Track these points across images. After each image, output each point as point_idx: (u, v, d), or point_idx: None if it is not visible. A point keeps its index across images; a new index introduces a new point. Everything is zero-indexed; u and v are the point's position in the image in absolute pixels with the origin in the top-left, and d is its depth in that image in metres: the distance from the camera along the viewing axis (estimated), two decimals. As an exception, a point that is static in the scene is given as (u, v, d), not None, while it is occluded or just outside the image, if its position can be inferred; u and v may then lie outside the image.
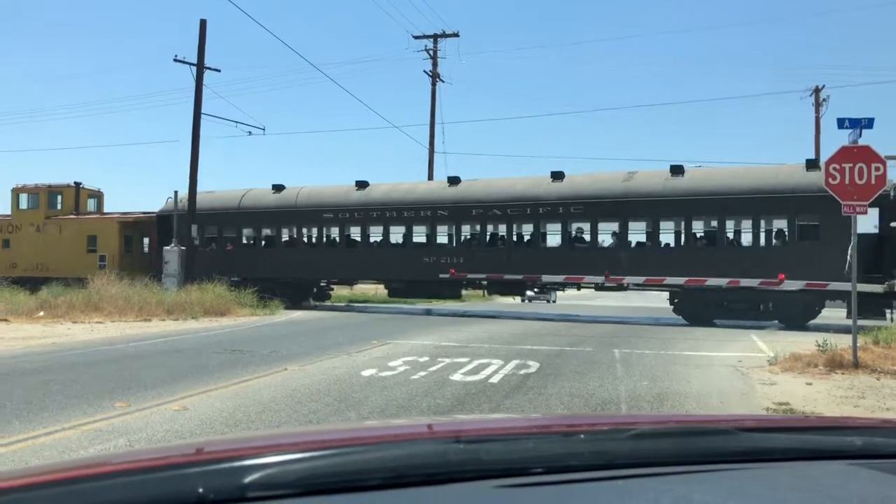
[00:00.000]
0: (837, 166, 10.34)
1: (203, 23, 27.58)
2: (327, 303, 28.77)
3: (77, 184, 32.39)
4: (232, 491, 1.00)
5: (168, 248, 27.09)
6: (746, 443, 1.36)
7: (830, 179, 10.41)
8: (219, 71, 29.15)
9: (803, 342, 14.00)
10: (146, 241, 30.56)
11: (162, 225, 27.84)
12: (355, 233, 25.41)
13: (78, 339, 14.35)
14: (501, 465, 1.16)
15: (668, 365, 10.99)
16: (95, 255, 29.29)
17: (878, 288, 17.26)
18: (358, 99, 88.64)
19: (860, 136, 10.78)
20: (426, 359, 11.22)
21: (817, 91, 38.61)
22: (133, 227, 30.25)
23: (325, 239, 26.17)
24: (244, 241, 27.93)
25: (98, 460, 1.22)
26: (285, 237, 26.90)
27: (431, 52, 38.80)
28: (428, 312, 25.48)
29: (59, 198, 31.53)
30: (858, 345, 10.76)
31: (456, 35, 38.82)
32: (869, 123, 10.82)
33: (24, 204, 31.80)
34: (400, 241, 24.67)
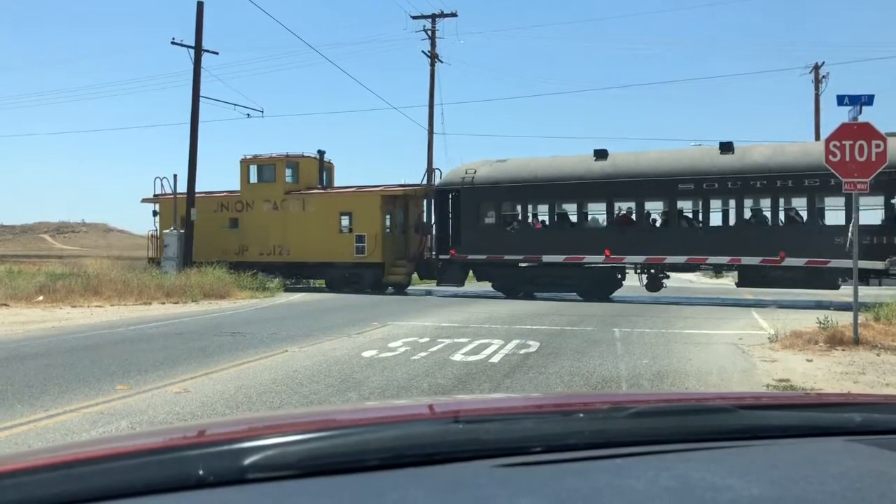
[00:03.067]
0: (838, 143, 10.30)
1: (200, 5, 27.38)
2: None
3: (321, 152, 27.76)
4: (232, 473, 1.00)
5: (167, 231, 27.05)
6: (745, 420, 1.36)
7: (831, 157, 10.37)
8: (217, 53, 29.09)
9: (804, 319, 14.02)
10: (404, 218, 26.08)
11: (441, 199, 23.35)
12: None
13: (78, 322, 14.36)
14: (500, 444, 1.16)
15: (668, 343, 11.00)
16: (350, 236, 24.70)
17: (879, 264, 17.26)
18: (356, 80, 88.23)
19: (860, 113, 10.74)
20: (426, 340, 11.23)
21: (817, 68, 38.45)
22: (393, 203, 25.35)
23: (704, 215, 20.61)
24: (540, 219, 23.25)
25: (97, 443, 1.22)
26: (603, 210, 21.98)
27: (430, 33, 38.58)
28: (428, 293, 25.51)
29: (295, 169, 26.64)
30: (859, 321, 10.76)
31: (454, 15, 38.57)
32: (869, 100, 10.78)
33: (255, 177, 26.65)
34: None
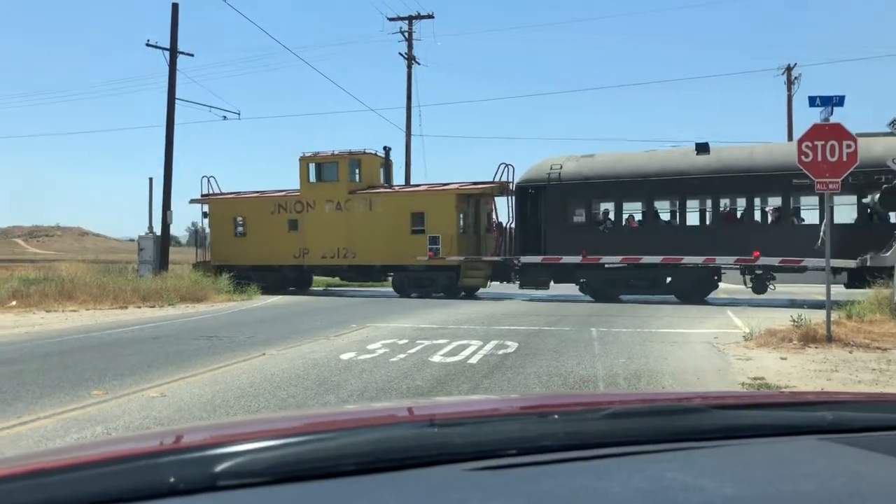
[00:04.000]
0: (810, 144, 10.43)
1: (175, 7, 27.23)
2: None
3: (386, 149, 26.46)
4: (203, 480, 0.99)
5: (143, 234, 26.82)
6: (719, 420, 1.37)
7: (803, 157, 10.51)
8: (192, 55, 28.89)
9: (778, 318, 14.18)
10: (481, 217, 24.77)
11: (522, 197, 21.99)
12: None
13: (52, 327, 14.19)
14: (475, 447, 1.16)
15: (644, 342, 11.09)
16: (423, 237, 23.21)
17: (851, 263, 17.52)
18: (333, 82, 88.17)
19: (832, 113, 10.89)
20: (405, 341, 11.23)
21: (789, 69, 38.87)
22: (467, 202, 23.98)
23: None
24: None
25: (69, 450, 1.21)
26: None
27: (406, 35, 38.57)
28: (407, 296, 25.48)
29: (358, 167, 25.02)
30: (832, 319, 10.91)
31: (431, 17, 38.57)
32: (840, 101, 10.93)
33: (316, 176, 25.13)
34: None
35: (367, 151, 25.22)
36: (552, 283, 21.85)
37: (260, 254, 24.95)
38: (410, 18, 38.65)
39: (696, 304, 19.05)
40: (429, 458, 1.11)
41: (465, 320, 14.85)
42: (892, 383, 7.66)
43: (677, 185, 20.01)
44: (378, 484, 1.04)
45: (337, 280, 27.65)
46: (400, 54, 38.71)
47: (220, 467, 1.01)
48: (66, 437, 5.61)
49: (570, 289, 21.89)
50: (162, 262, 25.78)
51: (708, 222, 20.60)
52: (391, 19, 38.84)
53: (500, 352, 10.05)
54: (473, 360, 9.28)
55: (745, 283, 20.11)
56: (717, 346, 10.71)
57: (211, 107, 33.12)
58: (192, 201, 27.28)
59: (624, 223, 21.41)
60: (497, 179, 23.12)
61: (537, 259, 21.29)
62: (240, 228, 26.21)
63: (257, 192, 26.63)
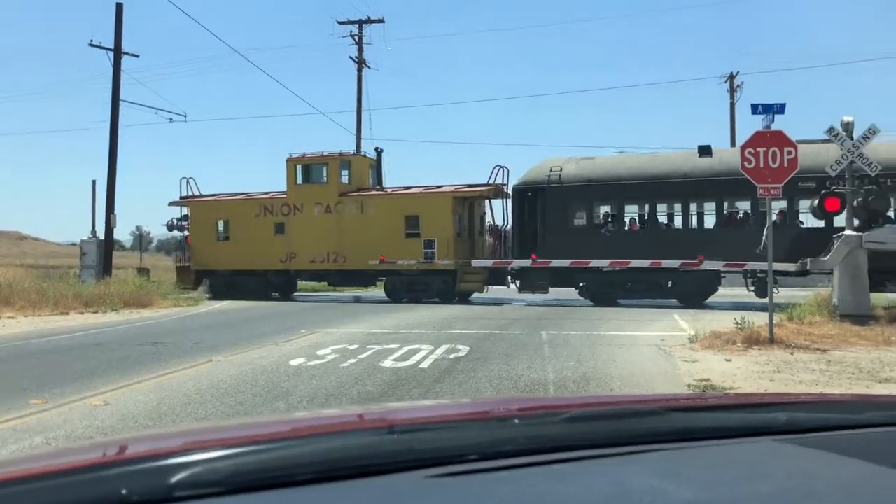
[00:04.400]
0: (752, 150, 10.70)
1: (119, 6, 26.69)
2: None
3: (378, 150, 25.88)
4: (157, 491, 0.95)
5: (85, 239, 26.17)
6: (676, 423, 1.38)
7: (746, 163, 10.77)
8: (137, 56, 28.31)
9: (723, 320, 14.49)
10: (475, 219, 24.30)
11: (521, 200, 21.59)
12: None
13: (-11, 335, 13.73)
14: (435, 453, 1.15)
15: (593, 345, 11.21)
16: (417, 241, 22.58)
17: (791, 266, 18.00)
18: (281, 84, 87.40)
19: (773, 121, 11.19)
20: (356, 346, 11.16)
21: (732, 77, 39.82)
22: (462, 204, 23.46)
23: None
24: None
25: (7, 464, 1.15)
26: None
27: (357, 38, 38.43)
28: (357, 300, 25.34)
29: (348, 168, 24.32)
30: (774, 321, 11.19)
31: (381, 21, 38.49)
32: (781, 109, 11.23)
33: (304, 177, 24.31)
34: None
35: (356, 153, 24.80)
36: (554, 286, 21.50)
37: (244, 258, 24.02)
38: (360, 22, 38.51)
39: (697, 308, 19.00)
40: (389, 466, 1.09)
41: (416, 325, 14.82)
42: (831, 383, 7.89)
43: (681, 187, 19.69)
44: (338, 492, 1.02)
45: (324, 285, 26.93)
46: (350, 58, 38.57)
47: (175, 478, 0.98)
48: (3, 448, 5.42)
49: (572, 293, 21.62)
50: (105, 267, 25.19)
51: (692, 226, 20.57)
52: (341, 23, 38.65)
53: (452, 356, 10.06)
54: (424, 365, 9.26)
55: (746, 287, 20.07)
56: (664, 348, 10.89)
57: (157, 109, 32.55)
58: (172, 203, 26.16)
59: (626, 226, 21.24)
60: (492, 182, 22.71)
61: (527, 262, 21.04)
62: (223, 232, 25.20)
63: (242, 193, 25.77)
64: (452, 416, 1.56)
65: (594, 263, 20.30)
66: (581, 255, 20.21)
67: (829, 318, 13.50)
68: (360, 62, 38.38)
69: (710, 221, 20.75)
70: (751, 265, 18.50)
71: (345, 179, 24.13)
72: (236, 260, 24.16)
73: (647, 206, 20.90)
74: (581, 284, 21.11)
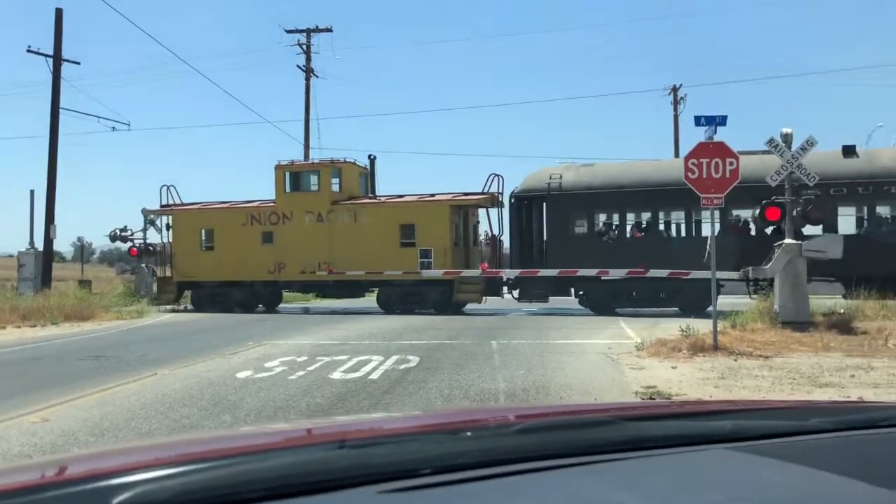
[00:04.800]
0: (696, 161, 10.94)
1: (59, 11, 26.09)
2: None
3: (372, 158, 25.28)
4: None
5: (23, 250, 25.41)
6: (628, 432, 1.39)
7: (689, 174, 11.01)
8: (78, 63, 27.69)
9: (668, 328, 14.75)
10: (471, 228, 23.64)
11: (519, 208, 21.16)
12: None
13: (-80, 350, 13.20)
14: (388, 468, 1.14)
15: (542, 354, 11.30)
16: (413, 251, 21.96)
17: (734, 275, 18.42)
18: (227, 92, 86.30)
19: (715, 132, 11.47)
20: (304, 358, 11.04)
21: (675, 90, 40.71)
22: (458, 212, 22.84)
23: None
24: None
25: None
26: None
27: (305, 47, 38.22)
28: (306, 311, 25.10)
29: (339, 176, 23.54)
30: (718, 329, 11.42)
31: (329, 30, 38.37)
32: (723, 121, 11.53)
33: (293, 185, 23.59)
34: None
35: (347, 161, 24.09)
36: (550, 296, 21.16)
37: (230, 268, 23.11)
38: (308, 31, 38.33)
39: (698, 317, 19.01)
40: (341, 481, 1.08)
41: (366, 335, 14.74)
42: (773, 389, 8.08)
43: (687, 195, 19.57)
44: None
45: (310, 297, 26.24)
46: (298, 67, 38.34)
47: (119, 498, 0.94)
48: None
49: (573, 302, 21.26)
50: (45, 279, 24.49)
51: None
52: (289, 31, 38.42)
53: (402, 367, 10.02)
54: (374, 376, 9.21)
55: (749, 294, 19.77)
56: (612, 356, 11.03)
57: (99, 117, 31.81)
58: (150, 212, 25.18)
59: (628, 234, 20.89)
60: (487, 190, 22.26)
61: (516, 272, 20.86)
62: (207, 241, 24.22)
63: (227, 202, 24.93)
64: (405, 430, 1.55)
65: (582, 273, 20.00)
66: (582, 263, 19.83)
67: (770, 325, 13.83)
68: (308, 71, 38.18)
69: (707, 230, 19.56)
70: (695, 273, 18.87)
71: (335, 188, 23.51)
72: (221, 270, 23.28)
73: (654, 213, 20.74)
74: (580, 293, 20.86)
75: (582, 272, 19.98)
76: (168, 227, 24.85)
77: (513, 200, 21.33)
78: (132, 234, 27.93)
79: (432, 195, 23.34)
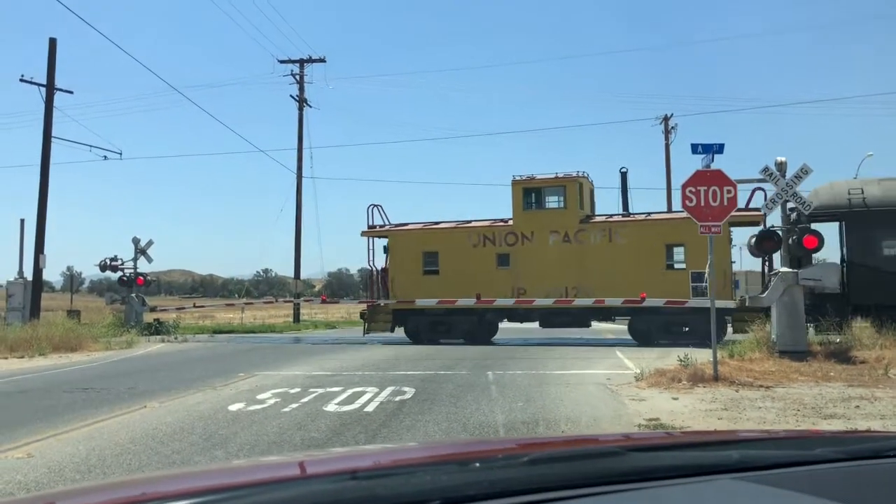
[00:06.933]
0: (693, 189, 10.86)
1: (52, 42, 26.09)
2: None
3: (623, 171, 23.34)
4: None
5: (12, 280, 25.12)
6: (635, 462, 1.40)
7: (687, 202, 10.92)
8: (71, 93, 27.67)
9: (665, 358, 14.58)
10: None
11: (854, 223, 17.93)
12: None
13: None
14: (398, 499, 1.14)
15: (540, 385, 11.10)
16: (684, 273, 19.93)
17: (730, 303, 18.32)
18: (220, 121, 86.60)
19: (713, 160, 11.39)
20: (297, 390, 10.81)
21: (666, 119, 40.96)
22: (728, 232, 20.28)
23: None
24: None
25: None
26: None
27: (298, 77, 38.32)
28: (297, 341, 24.82)
29: (580, 192, 21.39)
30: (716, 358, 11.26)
31: (322, 60, 38.57)
32: (720, 149, 11.46)
33: (536, 202, 21.58)
34: None
35: (582, 174, 21.86)
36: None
37: (457, 294, 21.34)
38: (302, 61, 38.50)
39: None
40: None
41: (359, 366, 14.52)
42: (778, 421, 7.91)
43: None
44: None
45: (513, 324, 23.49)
46: (291, 97, 38.42)
47: None
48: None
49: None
50: (33, 310, 24.17)
51: None
52: (282, 62, 38.62)
53: (398, 398, 9.81)
54: (370, 409, 8.99)
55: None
56: (611, 387, 10.84)
57: (91, 146, 31.61)
58: (365, 233, 23.28)
59: None
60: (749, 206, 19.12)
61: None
62: (429, 265, 22.40)
63: (454, 222, 23.15)
64: (414, 460, 1.56)
65: None
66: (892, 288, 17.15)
67: (768, 354, 13.69)
68: (301, 101, 38.26)
69: None
70: (693, 301, 18.77)
71: (581, 205, 21.53)
72: (448, 296, 21.47)
73: None
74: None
75: None
76: (386, 249, 23.19)
77: (845, 216, 18.18)
78: (122, 264, 27.72)
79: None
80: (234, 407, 9.21)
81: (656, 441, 1.96)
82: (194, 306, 34.84)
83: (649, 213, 21.83)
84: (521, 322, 22.61)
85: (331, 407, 9.13)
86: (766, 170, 14.28)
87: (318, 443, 7.12)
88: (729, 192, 10.83)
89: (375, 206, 23.46)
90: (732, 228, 20.66)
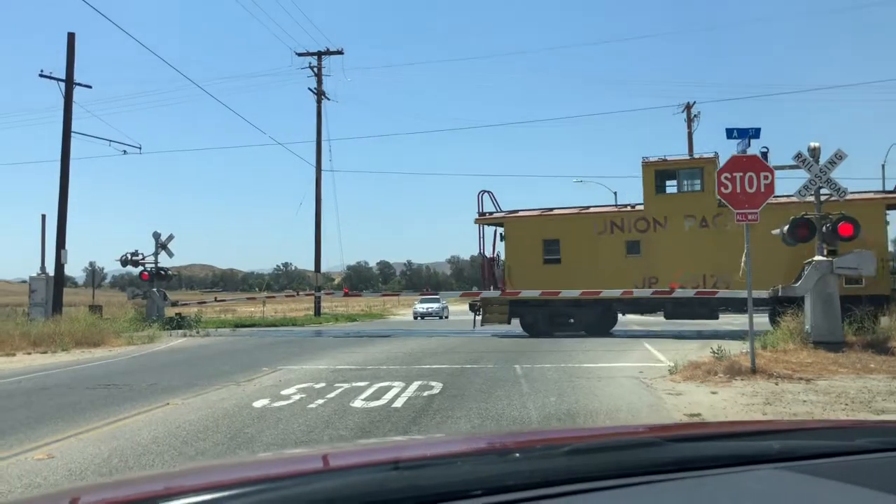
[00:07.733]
0: (729, 175, 10.48)
1: (71, 36, 25.98)
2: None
3: (763, 151, 21.90)
4: None
5: (34, 275, 25.12)
6: (676, 453, 1.40)
7: (723, 188, 10.54)
8: (90, 87, 27.58)
9: (694, 349, 14.22)
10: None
11: None
12: None
13: (-74, 379, 12.82)
14: (440, 489, 1.15)
15: (571, 379, 10.79)
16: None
17: (763, 293, 17.87)
18: (238, 115, 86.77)
19: (749, 145, 10.99)
20: (322, 385, 10.58)
21: (689, 107, 40.32)
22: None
23: None
24: None
25: None
26: None
27: (316, 70, 38.09)
28: (319, 335, 24.65)
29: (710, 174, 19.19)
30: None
31: (340, 53, 38.28)
32: (756, 133, 11.06)
33: (671, 186, 20.40)
34: None
35: (708, 157, 20.40)
36: None
37: (581, 284, 20.21)
38: (319, 54, 38.25)
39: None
40: (397, 502, 1.11)
41: (383, 360, 14.27)
42: (826, 415, 7.56)
43: None
44: None
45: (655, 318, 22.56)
46: (309, 89, 38.19)
47: None
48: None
49: None
50: (56, 305, 24.14)
51: None
52: (300, 54, 38.37)
53: (425, 393, 9.54)
54: (398, 404, 8.73)
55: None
56: (644, 380, 10.51)
57: (110, 140, 31.42)
58: (477, 221, 22.17)
59: None
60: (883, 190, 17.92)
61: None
62: (549, 253, 21.18)
63: (576, 207, 21.90)
64: (455, 452, 1.55)
65: None
66: None
67: (801, 345, 13.29)
68: (319, 94, 38.03)
69: None
70: (722, 293, 18.34)
71: (698, 187, 20.19)
72: (570, 286, 20.35)
73: None
74: None
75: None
76: (503, 237, 21.98)
77: None
78: (143, 259, 27.69)
79: (861, 192, 18.88)
80: (258, 403, 8.98)
81: (695, 431, 1.93)
82: (216, 300, 34.86)
83: (790, 196, 19.58)
84: (643, 314, 21.57)
85: (357, 403, 8.88)
86: (799, 156, 13.84)
87: (346, 441, 6.86)
88: (766, 177, 10.44)
89: (486, 192, 22.34)
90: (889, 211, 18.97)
